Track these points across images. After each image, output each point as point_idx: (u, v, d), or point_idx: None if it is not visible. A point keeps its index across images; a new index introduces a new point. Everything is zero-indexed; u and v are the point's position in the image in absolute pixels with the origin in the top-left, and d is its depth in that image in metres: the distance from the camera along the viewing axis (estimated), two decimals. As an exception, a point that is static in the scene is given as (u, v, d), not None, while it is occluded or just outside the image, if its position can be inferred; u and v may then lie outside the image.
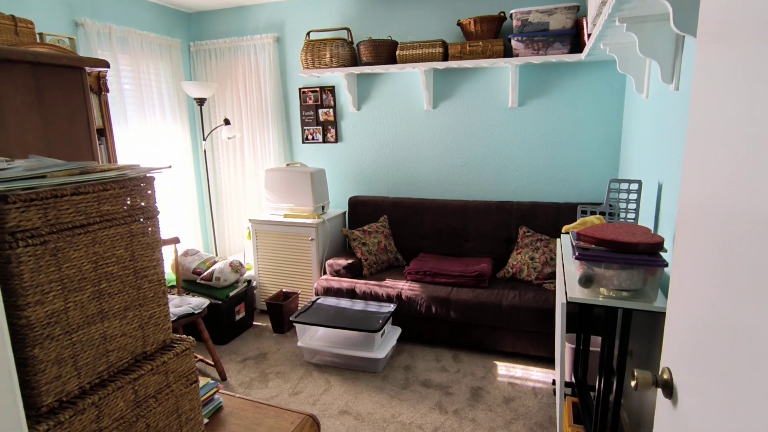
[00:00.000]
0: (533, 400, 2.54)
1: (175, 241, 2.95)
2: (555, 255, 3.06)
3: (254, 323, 3.65)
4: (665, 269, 1.66)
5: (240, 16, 4.02)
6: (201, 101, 3.82)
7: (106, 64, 1.38)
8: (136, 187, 0.96)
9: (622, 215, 2.17)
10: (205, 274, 3.35)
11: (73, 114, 1.32)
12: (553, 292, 2.94)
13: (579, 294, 1.55)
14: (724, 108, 0.71)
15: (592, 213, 2.32)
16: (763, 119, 0.58)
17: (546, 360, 2.94)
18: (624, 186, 2.16)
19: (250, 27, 4.01)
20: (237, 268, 3.41)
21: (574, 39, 2.97)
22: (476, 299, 2.93)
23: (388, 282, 3.25)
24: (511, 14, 3.04)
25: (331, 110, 3.91)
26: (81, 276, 0.86)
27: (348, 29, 3.59)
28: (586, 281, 1.55)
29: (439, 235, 3.57)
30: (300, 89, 3.95)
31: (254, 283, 3.71)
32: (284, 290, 3.61)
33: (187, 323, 2.75)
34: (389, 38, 3.48)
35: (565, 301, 1.56)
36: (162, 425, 1.01)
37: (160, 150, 3.81)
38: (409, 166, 3.81)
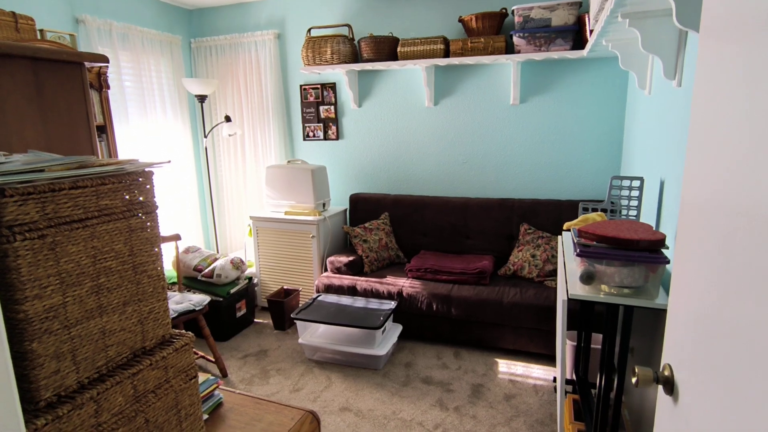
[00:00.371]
0: (534, 398, 2.54)
1: (176, 238, 2.95)
2: (556, 252, 3.06)
3: (255, 320, 3.65)
4: (667, 266, 1.65)
5: (241, 13, 4.01)
6: (202, 98, 3.81)
7: (105, 60, 1.37)
8: (134, 182, 0.96)
9: (624, 212, 2.16)
10: (207, 271, 3.35)
11: (73, 109, 1.32)
12: (555, 289, 2.94)
13: (580, 291, 1.55)
14: (726, 104, 0.71)
15: (594, 210, 2.31)
16: (767, 115, 0.58)
17: (547, 357, 2.94)
18: (626, 183, 2.15)
19: (251, 23, 4.00)
20: (238, 265, 3.41)
21: (576, 35, 2.95)
22: (477, 296, 2.93)
23: (389, 279, 3.25)
24: (513, 10, 3.02)
25: (332, 107, 3.90)
26: (79, 270, 0.85)
27: (349, 26, 3.58)
28: (588, 278, 1.55)
29: (440, 233, 3.56)
30: (301, 86, 3.95)
31: (255, 280, 3.71)
32: (285, 287, 3.61)
33: (188, 320, 2.76)
34: (390, 35, 3.47)
35: (566, 298, 1.55)
36: (161, 420, 1.01)
37: (161, 147, 3.81)
38: (410, 163, 3.80)
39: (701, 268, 0.78)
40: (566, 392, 2.36)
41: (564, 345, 1.65)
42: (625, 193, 2.13)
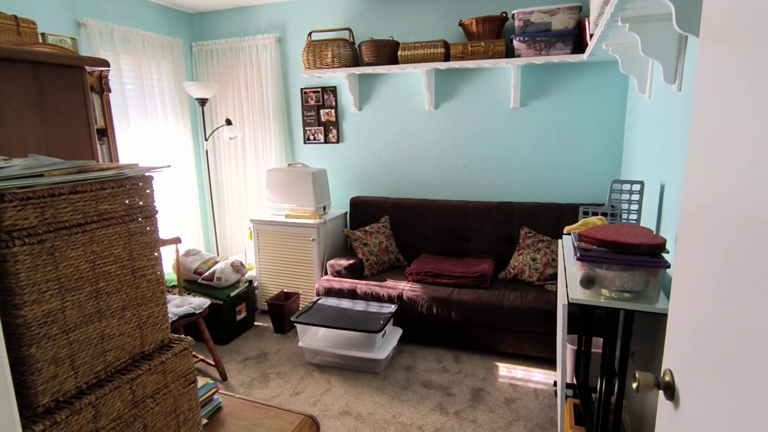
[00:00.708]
0: (534, 402, 2.53)
1: (177, 241, 2.95)
2: (556, 256, 3.05)
3: (255, 323, 3.65)
4: (667, 270, 1.65)
5: (242, 17, 4.03)
6: (203, 101, 3.82)
7: (106, 63, 1.38)
8: (134, 187, 0.96)
9: (624, 216, 2.16)
10: (207, 274, 3.35)
11: (73, 113, 1.32)
12: (555, 293, 2.93)
13: (580, 295, 1.54)
14: (727, 108, 0.70)
15: (594, 214, 2.31)
16: (767, 119, 0.57)
17: (547, 361, 2.93)
18: (626, 187, 2.15)
19: (252, 27, 4.01)
20: (238, 268, 3.41)
21: (576, 39, 2.96)
22: (477, 300, 2.92)
23: (390, 282, 3.24)
24: (513, 14, 3.03)
25: (333, 110, 3.91)
26: (78, 275, 0.85)
27: (350, 29, 3.59)
28: (588, 282, 1.54)
29: (441, 236, 3.56)
30: (302, 89, 3.95)
31: (255, 284, 3.71)
32: (285, 290, 3.60)
33: (188, 323, 2.75)
34: (391, 38, 3.47)
35: (566, 302, 1.55)
36: (160, 425, 1.01)
37: (161, 150, 3.82)
38: (411, 166, 3.80)
39: (702, 272, 0.78)
40: (567, 396, 2.35)
41: (564, 349, 1.64)
42: (626, 197, 2.13)
